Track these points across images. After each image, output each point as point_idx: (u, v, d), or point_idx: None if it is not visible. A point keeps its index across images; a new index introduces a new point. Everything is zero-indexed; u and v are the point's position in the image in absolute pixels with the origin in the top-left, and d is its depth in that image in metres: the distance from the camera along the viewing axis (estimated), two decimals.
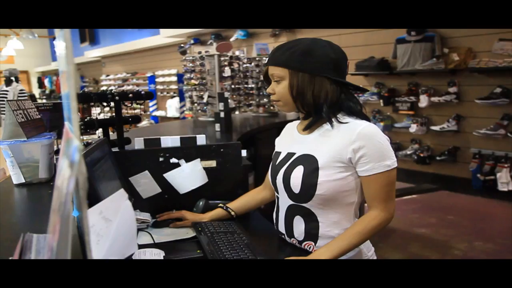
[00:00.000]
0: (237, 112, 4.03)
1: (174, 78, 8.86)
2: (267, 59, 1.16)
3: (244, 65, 3.97)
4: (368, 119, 1.09)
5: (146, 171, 1.36)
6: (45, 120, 1.71)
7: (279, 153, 1.22)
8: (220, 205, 1.33)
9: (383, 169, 1.03)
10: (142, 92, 1.65)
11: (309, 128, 1.14)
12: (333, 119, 1.08)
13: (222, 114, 2.85)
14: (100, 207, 0.88)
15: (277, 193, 1.20)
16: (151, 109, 9.65)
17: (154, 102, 9.59)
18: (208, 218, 1.30)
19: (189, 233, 1.25)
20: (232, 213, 1.32)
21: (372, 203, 1.07)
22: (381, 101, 5.01)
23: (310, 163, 1.08)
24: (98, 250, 0.84)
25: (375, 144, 1.03)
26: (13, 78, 5.32)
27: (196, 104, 3.93)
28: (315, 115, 1.12)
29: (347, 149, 1.04)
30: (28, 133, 1.45)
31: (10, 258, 0.73)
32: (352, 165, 1.06)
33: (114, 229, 0.90)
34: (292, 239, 1.17)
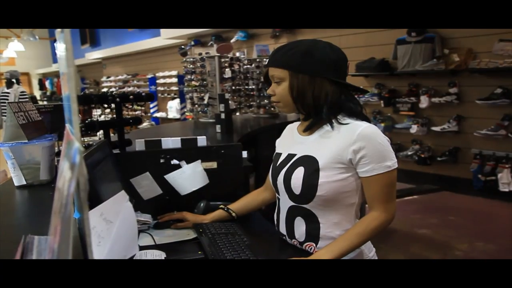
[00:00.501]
0: (237, 114, 4.03)
1: (175, 80, 8.86)
2: (267, 60, 1.16)
3: (245, 66, 3.97)
4: (368, 120, 1.09)
5: (147, 173, 1.37)
6: (46, 122, 1.71)
7: (280, 154, 1.22)
8: (221, 206, 1.33)
9: (384, 170, 1.03)
10: (143, 94, 1.66)
11: (309, 129, 1.14)
12: (333, 120, 1.08)
13: (222, 116, 2.85)
14: (101, 208, 0.88)
15: (278, 194, 1.20)
16: (151, 110, 9.66)
17: (155, 103, 9.59)
18: (209, 219, 1.30)
19: (190, 234, 1.25)
20: (233, 214, 1.32)
21: (373, 204, 1.07)
22: (381, 102, 5.01)
23: (310, 164, 1.08)
24: (99, 252, 0.84)
25: (376, 145, 1.03)
26: (14, 80, 5.34)
27: (196, 106, 3.93)
28: (315, 116, 1.12)
29: (347, 150, 1.04)
30: (29, 135, 1.45)
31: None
32: (352, 166, 1.06)
33: (115, 231, 0.90)
34: (293, 240, 1.17)
